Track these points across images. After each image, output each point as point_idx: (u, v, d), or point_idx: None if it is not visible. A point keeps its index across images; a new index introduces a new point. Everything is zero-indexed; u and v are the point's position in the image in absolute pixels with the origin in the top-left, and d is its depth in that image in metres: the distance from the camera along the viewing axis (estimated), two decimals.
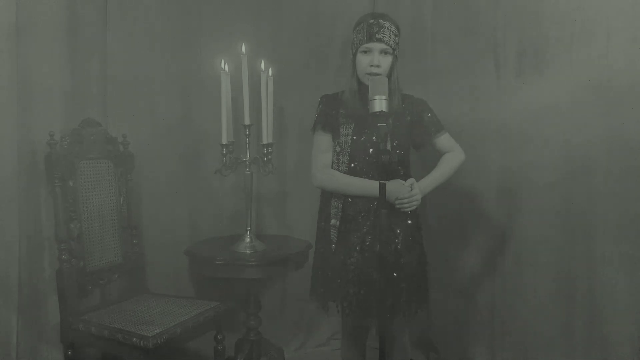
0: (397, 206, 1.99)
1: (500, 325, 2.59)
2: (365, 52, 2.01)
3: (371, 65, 1.99)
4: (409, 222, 2.07)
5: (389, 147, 2.01)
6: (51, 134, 2.20)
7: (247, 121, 2.34)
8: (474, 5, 2.60)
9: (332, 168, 2.09)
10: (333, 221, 2.08)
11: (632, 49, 2.14)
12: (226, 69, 2.35)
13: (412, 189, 2.00)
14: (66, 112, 2.36)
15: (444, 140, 2.14)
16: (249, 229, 2.43)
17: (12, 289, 2.13)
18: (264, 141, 2.40)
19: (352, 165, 2.05)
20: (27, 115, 2.20)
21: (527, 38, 2.43)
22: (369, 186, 2.00)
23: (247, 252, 2.38)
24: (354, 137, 2.05)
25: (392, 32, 2.01)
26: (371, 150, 2.03)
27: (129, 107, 2.59)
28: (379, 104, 1.71)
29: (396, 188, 1.99)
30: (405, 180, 2.03)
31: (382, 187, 1.70)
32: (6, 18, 2.07)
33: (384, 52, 2.00)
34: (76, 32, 2.39)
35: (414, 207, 2.02)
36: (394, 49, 2.02)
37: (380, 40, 1.98)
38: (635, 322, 2.18)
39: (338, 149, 2.07)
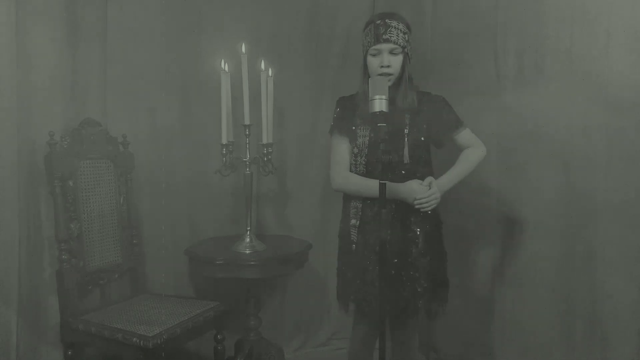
0: (417, 206, 1.97)
1: (500, 325, 2.59)
2: (374, 54, 2.00)
3: (381, 67, 1.98)
4: (429, 221, 2.06)
5: (406, 148, 2.00)
6: (51, 134, 2.20)
7: (247, 121, 2.34)
8: (473, 5, 2.60)
9: (350, 170, 2.08)
10: (353, 221, 2.08)
11: (632, 48, 2.14)
12: (226, 69, 2.35)
13: (430, 188, 1.97)
14: (66, 112, 2.36)
15: (464, 136, 2.11)
16: (249, 229, 2.43)
17: (12, 289, 2.13)
18: (264, 141, 2.40)
19: (370, 166, 2.04)
20: (27, 115, 2.20)
21: (527, 38, 2.43)
22: (387, 188, 1.98)
23: (247, 252, 2.38)
24: (371, 139, 2.04)
25: (400, 31, 1.99)
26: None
27: (129, 107, 2.59)
28: (379, 104, 1.71)
29: (414, 188, 1.97)
30: (424, 180, 2.01)
31: (382, 187, 1.71)
32: (6, 18, 2.07)
33: (393, 51, 1.98)
34: (76, 32, 2.39)
35: (434, 206, 1.99)
36: (403, 47, 1.99)
37: (387, 41, 1.97)
38: (635, 322, 2.18)
39: (355, 150, 2.07)
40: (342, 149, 2.09)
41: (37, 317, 2.25)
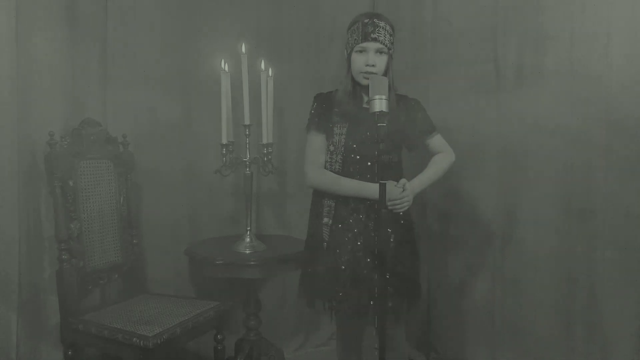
0: (390, 207, 1.98)
1: (500, 325, 2.59)
2: (360, 51, 2.00)
3: (367, 65, 1.98)
4: (402, 222, 2.07)
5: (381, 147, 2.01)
6: (51, 134, 2.20)
7: (247, 121, 2.34)
8: (474, 4, 2.60)
9: (325, 167, 2.08)
10: (326, 220, 2.08)
11: (632, 48, 2.14)
12: (226, 69, 2.35)
13: (403, 190, 1.99)
14: (66, 112, 2.36)
15: (436, 141, 2.14)
16: (249, 229, 2.43)
17: (12, 289, 2.13)
18: (264, 141, 2.40)
19: (345, 165, 2.05)
20: (27, 115, 2.20)
21: (527, 38, 2.43)
22: (362, 187, 1.99)
23: (247, 252, 2.38)
24: (348, 137, 2.04)
25: (387, 32, 2.00)
26: (365, 150, 2.02)
27: (129, 107, 2.59)
28: (379, 104, 1.71)
29: (389, 189, 1.96)
30: (396, 181, 2.02)
31: (382, 187, 1.70)
32: (6, 18, 2.07)
33: (379, 51, 1.99)
34: (76, 32, 2.39)
35: (406, 208, 2.01)
36: (389, 49, 2.01)
37: (375, 40, 1.98)
38: (635, 322, 2.18)
39: (332, 148, 2.07)
40: (318, 146, 2.09)
41: (37, 317, 2.25)
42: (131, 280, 2.53)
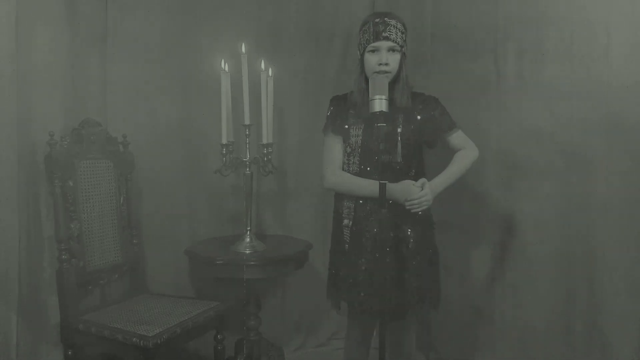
0: (407, 207, 1.96)
1: (500, 325, 2.59)
2: (372, 51, 2.00)
3: (380, 64, 1.98)
4: (421, 222, 2.06)
5: (398, 147, 2.01)
6: (51, 134, 2.20)
7: (247, 121, 2.34)
8: (474, 5, 2.60)
9: (343, 169, 2.08)
10: (345, 221, 2.08)
11: (632, 49, 2.14)
12: (226, 69, 2.35)
13: (422, 189, 1.96)
14: (66, 112, 2.36)
15: (456, 137, 2.10)
16: (249, 229, 2.43)
17: (12, 289, 2.12)
18: (264, 141, 2.39)
19: (363, 166, 2.05)
20: (27, 115, 2.20)
21: (527, 38, 2.43)
22: (377, 188, 1.99)
23: (247, 252, 2.38)
24: (365, 138, 2.04)
25: (399, 30, 2.01)
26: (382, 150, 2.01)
27: (129, 107, 2.59)
28: (379, 104, 1.71)
29: (406, 189, 1.96)
30: (416, 181, 1.99)
31: (382, 188, 1.70)
32: (6, 17, 2.07)
33: (391, 49, 1.99)
34: (76, 32, 2.39)
35: (425, 208, 1.97)
36: (401, 46, 2.01)
37: (387, 39, 1.98)
38: (635, 322, 2.18)
39: (349, 149, 2.07)
40: (335, 147, 2.09)
41: (37, 317, 2.25)
42: (131, 280, 2.53)
